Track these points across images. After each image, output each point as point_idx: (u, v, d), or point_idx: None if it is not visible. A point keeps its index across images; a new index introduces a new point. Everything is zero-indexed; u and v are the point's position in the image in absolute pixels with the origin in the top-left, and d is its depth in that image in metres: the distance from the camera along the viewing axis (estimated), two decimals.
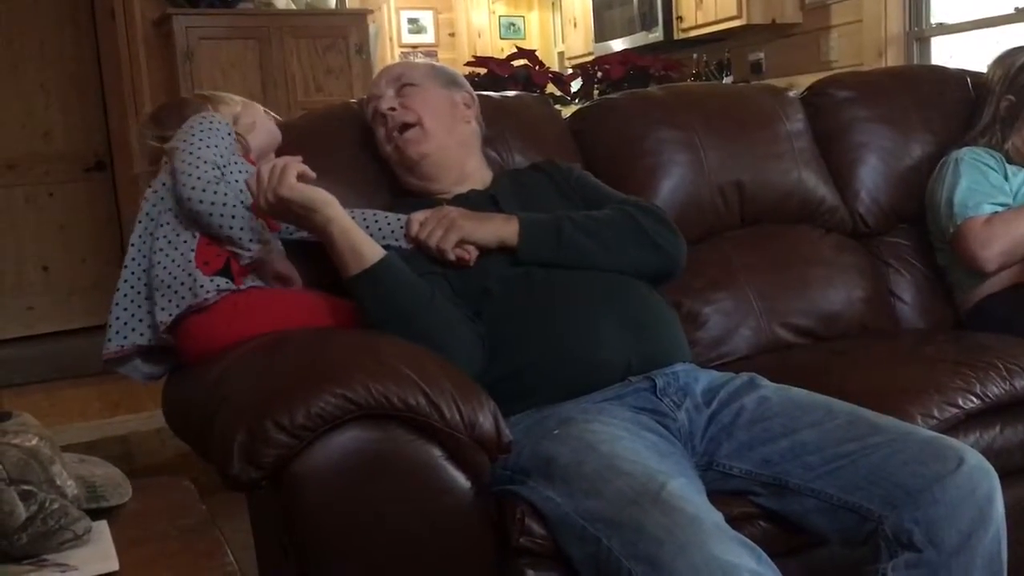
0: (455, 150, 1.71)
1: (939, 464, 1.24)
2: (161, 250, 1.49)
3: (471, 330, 1.45)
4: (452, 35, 7.35)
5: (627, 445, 1.24)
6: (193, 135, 1.53)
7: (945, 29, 3.91)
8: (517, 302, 1.48)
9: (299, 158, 1.43)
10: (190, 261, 1.46)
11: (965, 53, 3.78)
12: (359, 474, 1.17)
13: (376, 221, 1.63)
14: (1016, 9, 3.61)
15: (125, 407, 3.50)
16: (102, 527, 1.04)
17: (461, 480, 1.23)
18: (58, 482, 1.00)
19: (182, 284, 1.45)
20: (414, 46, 6.99)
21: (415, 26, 7.16)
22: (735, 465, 1.35)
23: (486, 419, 1.23)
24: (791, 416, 1.36)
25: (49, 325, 5.17)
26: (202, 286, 1.44)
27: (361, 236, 1.43)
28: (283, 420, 1.10)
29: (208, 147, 1.51)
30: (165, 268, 1.47)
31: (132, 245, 1.55)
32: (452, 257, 1.50)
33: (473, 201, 1.63)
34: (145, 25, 4.22)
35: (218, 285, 1.45)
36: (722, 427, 1.39)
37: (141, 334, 1.52)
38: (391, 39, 6.99)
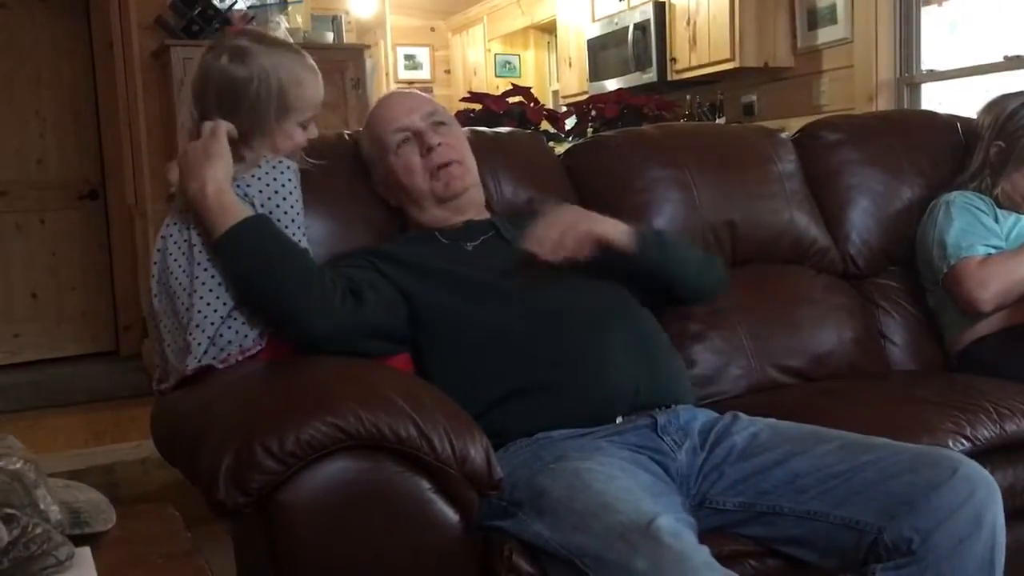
0: (480, 184, 1.77)
1: (934, 472, 1.25)
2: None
3: (334, 285, 1.45)
4: (448, 72, 7.42)
5: (621, 484, 1.24)
6: None
7: (935, 76, 3.96)
8: (528, 319, 1.49)
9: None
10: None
11: (954, 100, 3.82)
12: (346, 505, 1.16)
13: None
14: (1005, 57, 3.66)
15: (111, 436, 3.47)
16: (85, 553, 1.02)
17: (449, 514, 1.22)
18: (42, 506, 0.99)
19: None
20: (410, 82, 7.04)
21: (411, 62, 7.23)
22: (729, 500, 1.35)
23: (478, 454, 1.22)
24: (782, 448, 1.37)
25: (36, 353, 5.13)
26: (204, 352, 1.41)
27: (233, 197, 1.46)
28: (272, 445, 1.10)
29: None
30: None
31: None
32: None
33: (474, 228, 1.67)
34: (143, 56, 4.23)
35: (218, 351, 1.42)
36: (715, 466, 1.39)
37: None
38: (387, 74, 7.05)
